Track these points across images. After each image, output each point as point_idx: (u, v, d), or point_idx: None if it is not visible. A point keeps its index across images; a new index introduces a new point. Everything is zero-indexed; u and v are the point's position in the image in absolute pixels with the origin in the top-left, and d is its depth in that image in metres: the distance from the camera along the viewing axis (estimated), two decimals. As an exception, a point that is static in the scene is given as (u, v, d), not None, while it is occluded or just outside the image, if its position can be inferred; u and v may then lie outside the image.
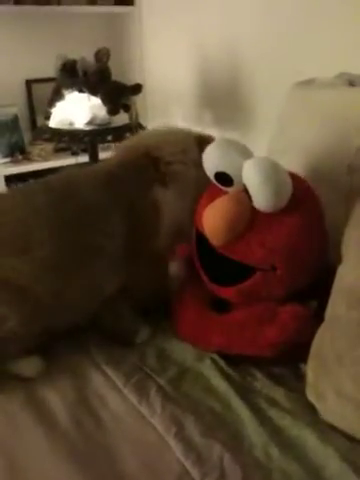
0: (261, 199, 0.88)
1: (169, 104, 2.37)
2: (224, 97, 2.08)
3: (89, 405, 0.89)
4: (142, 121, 2.18)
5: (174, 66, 2.31)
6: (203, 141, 1.05)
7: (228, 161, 0.91)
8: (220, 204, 0.92)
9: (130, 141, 1.17)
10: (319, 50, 1.62)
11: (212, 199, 0.95)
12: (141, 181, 1.06)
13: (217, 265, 0.98)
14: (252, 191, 0.88)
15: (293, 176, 0.92)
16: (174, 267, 1.16)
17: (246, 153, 0.92)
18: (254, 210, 0.90)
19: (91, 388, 0.93)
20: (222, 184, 0.94)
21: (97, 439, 0.82)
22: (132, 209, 1.02)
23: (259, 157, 0.89)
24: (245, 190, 0.90)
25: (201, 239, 0.97)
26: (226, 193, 0.94)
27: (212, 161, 0.94)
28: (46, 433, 0.83)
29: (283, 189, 0.87)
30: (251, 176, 0.87)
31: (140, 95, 2.10)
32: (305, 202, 0.94)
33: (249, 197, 0.90)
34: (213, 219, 0.92)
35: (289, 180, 0.88)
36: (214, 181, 0.95)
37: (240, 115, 2.00)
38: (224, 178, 0.93)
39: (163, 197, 1.05)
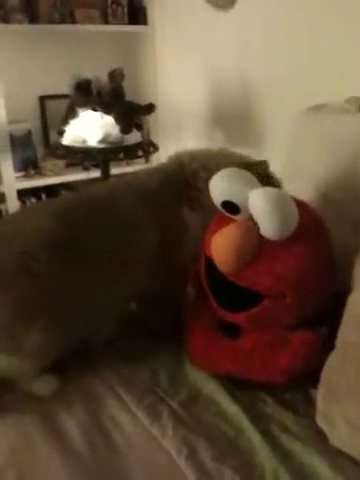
0: (268, 228, 0.90)
1: (181, 123, 2.40)
2: (235, 118, 2.11)
3: (102, 426, 0.91)
4: (154, 140, 2.21)
5: (187, 86, 2.35)
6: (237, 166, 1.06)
7: (234, 190, 0.94)
8: (229, 232, 0.94)
9: (177, 157, 1.20)
10: (330, 74, 1.64)
11: (220, 226, 0.97)
12: (175, 200, 1.12)
13: (226, 291, 1.00)
14: (259, 220, 0.90)
15: (301, 204, 0.94)
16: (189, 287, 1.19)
17: (251, 182, 0.94)
18: (262, 238, 0.92)
19: (104, 409, 0.95)
20: (229, 212, 0.97)
21: (109, 460, 0.84)
22: (165, 224, 1.08)
23: (265, 188, 0.91)
24: (252, 218, 0.92)
25: (210, 265, 0.99)
26: (233, 221, 0.96)
27: (219, 190, 0.97)
28: (60, 453, 0.85)
29: (289, 218, 0.89)
30: (258, 205, 0.89)
31: (153, 114, 2.13)
32: (312, 231, 0.96)
33: (256, 225, 0.92)
34: (222, 247, 0.95)
35: (295, 209, 0.89)
36: (221, 209, 0.98)
37: (251, 136, 2.03)
38: (231, 206, 0.95)
39: (191, 216, 1.11)
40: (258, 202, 0.89)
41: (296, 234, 0.91)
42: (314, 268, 0.93)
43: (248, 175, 0.96)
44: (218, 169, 1.02)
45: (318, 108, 1.47)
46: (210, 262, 0.98)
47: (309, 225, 0.95)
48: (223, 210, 0.97)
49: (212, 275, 1.01)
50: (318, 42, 1.67)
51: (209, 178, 1.01)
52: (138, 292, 1.13)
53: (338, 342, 0.86)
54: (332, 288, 0.98)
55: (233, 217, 0.97)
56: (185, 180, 1.14)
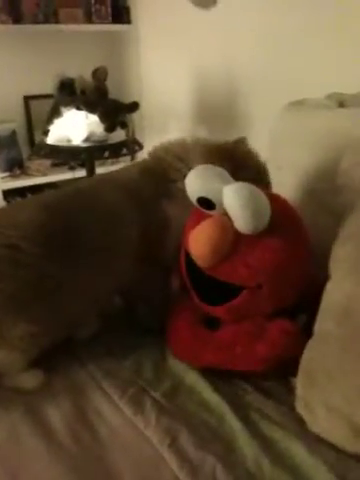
0: (241, 222, 0.92)
1: (166, 121, 2.42)
2: (220, 114, 2.13)
3: (86, 418, 0.92)
4: (139, 137, 2.23)
5: (171, 84, 2.36)
6: (212, 153, 1.10)
7: (208, 187, 0.96)
8: (204, 228, 0.96)
9: (158, 148, 1.21)
10: (311, 70, 1.67)
11: (197, 222, 0.99)
12: (153, 192, 1.13)
13: (206, 285, 1.01)
14: (232, 215, 0.92)
15: (275, 198, 0.97)
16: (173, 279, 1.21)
17: (225, 178, 0.96)
18: (237, 232, 0.94)
19: (88, 401, 0.96)
20: (205, 208, 0.98)
21: (94, 452, 0.85)
22: (146, 215, 1.10)
23: (237, 183, 0.93)
24: (227, 213, 0.94)
25: (190, 260, 1.01)
26: (209, 216, 0.98)
27: (193, 187, 0.99)
28: (46, 446, 0.86)
29: (262, 212, 0.91)
30: (231, 201, 0.91)
31: (138, 112, 2.15)
32: (286, 222, 0.98)
33: (231, 220, 0.94)
34: (198, 242, 0.96)
35: (267, 203, 0.91)
36: (197, 205, 1.00)
37: (235, 132, 2.03)
38: (206, 202, 0.97)
39: (171, 210, 1.11)
40: (230, 198, 0.91)
41: (270, 227, 0.93)
42: (289, 258, 0.95)
43: (220, 171, 0.98)
44: (193, 159, 1.05)
45: (299, 103, 1.50)
46: (189, 257, 1.00)
47: (283, 217, 0.97)
48: (199, 206, 0.99)
49: (192, 271, 1.02)
50: (300, 40, 1.69)
51: (183, 169, 1.04)
52: (123, 284, 1.14)
53: (316, 329, 0.88)
54: (309, 277, 0.99)
55: (209, 212, 0.98)
56: (162, 172, 1.14)
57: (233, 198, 0.91)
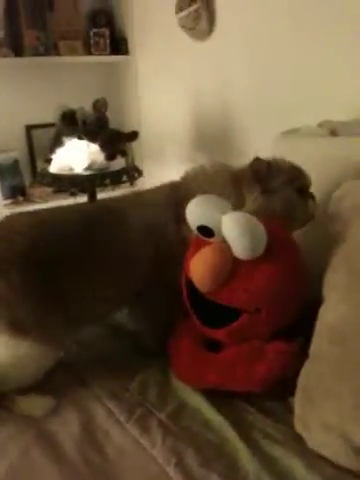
0: (239, 249, 0.98)
1: (165, 148, 2.49)
2: (217, 142, 2.19)
3: (95, 440, 0.96)
4: (139, 165, 2.30)
5: (168, 112, 2.43)
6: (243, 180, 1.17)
7: (208, 215, 1.02)
8: (205, 254, 1.02)
9: (189, 173, 1.27)
10: (304, 98, 1.72)
11: (197, 249, 1.04)
12: (173, 217, 1.19)
13: (206, 309, 1.07)
14: (231, 242, 0.98)
15: (271, 224, 1.02)
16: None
17: (224, 207, 1.02)
18: (235, 259, 1.00)
19: (96, 423, 1.00)
20: (205, 236, 1.04)
21: (104, 472, 0.89)
22: (161, 238, 1.17)
23: (235, 212, 1.00)
24: (225, 241, 1.00)
25: (191, 285, 1.06)
26: (209, 243, 1.04)
27: (193, 216, 1.05)
28: (57, 465, 0.90)
29: (258, 239, 0.97)
30: (229, 229, 0.98)
31: (137, 140, 2.22)
32: (281, 249, 1.03)
33: (229, 247, 1.00)
34: (199, 268, 1.02)
35: (263, 231, 0.97)
36: (197, 233, 1.05)
37: (233, 158, 2.09)
38: (206, 230, 1.03)
39: (188, 233, 1.15)
40: (229, 226, 0.97)
41: (267, 253, 0.98)
42: (285, 283, 1.01)
43: (220, 200, 1.04)
44: (211, 185, 1.15)
45: (293, 132, 1.57)
46: (191, 283, 1.06)
47: (279, 244, 1.02)
48: (199, 234, 1.05)
49: (193, 295, 1.07)
50: (293, 69, 1.76)
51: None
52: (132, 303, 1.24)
53: (311, 351, 0.94)
54: (305, 300, 1.05)
55: (208, 240, 1.04)
56: (185, 196, 1.16)
57: (231, 226, 0.97)
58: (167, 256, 1.17)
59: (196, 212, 1.04)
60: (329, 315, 0.93)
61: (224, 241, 1.00)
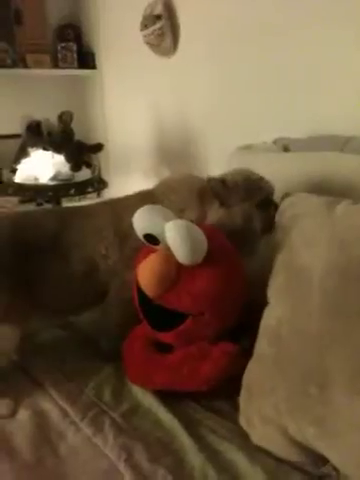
0: (181, 255, 1.03)
1: (130, 160, 2.54)
2: (178, 155, 2.26)
3: (49, 440, 1.00)
4: (105, 176, 2.34)
5: (134, 125, 2.49)
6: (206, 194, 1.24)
7: (152, 224, 1.08)
8: (150, 261, 1.08)
9: (162, 181, 1.35)
10: (261, 115, 1.80)
11: (146, 256, 1.10)
12: None
13: (156, 314, 1.12)
14: (173, 249, 1.04)
15: (211, 231, 1.09)
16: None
17: (168, 217, 1.08)
18: (179, 264, 1.05)
19: (51, 424, 1.04)
20: (151, 243, 1.10)
21: (55, 468, 0.93)
22: (132, 242, 1.21)
23: (176, 220, 1.05)
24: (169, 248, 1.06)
25: (141, 291, 1.11)
26: (155, 251, 1.09)
27: (139, 225, 1.11)
28: (9, 464, 0.94)
29: (198, 245, 1.03)
30: (171, 237, 1.03)
31: (103, 152, 2.26)
32: (222, 254, 1.09)
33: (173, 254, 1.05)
34: (145, 274, 1.08)
35: (203, 237, 1.03)
36: (144, 241, 1.11)
37: (194, 170, 2.18)
38: (152, 238, 1.09)
39: None
40: (170, 233, 1.03)
41: (208, 258, 1.04)
42: (226, 286, 1.06)
43: (163, 210, 1.11)
44: (178, 197, 1.23)
45: (247, 148, 1.64)
46: (141, 288, 1.10)
47: (219, 249, 1.09)
48: (145, 242, 1.11)
49: (143, 300, 1.12)
50: (251, 86, 1.83)
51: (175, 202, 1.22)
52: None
53: (254, 351, 0.99)
54: (247, 303, 1.11)
55: (155, 247, 1.10)
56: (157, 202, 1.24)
57: (173, 233, 1.03)
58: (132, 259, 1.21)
59: (142, 221, 1.10)
60: (270, 317, 0.99)
61: (169, 248, 1.05)
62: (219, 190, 1.23)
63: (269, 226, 1.23)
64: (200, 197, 1.24)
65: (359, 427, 0.80)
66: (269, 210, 1.24)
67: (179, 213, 1.19)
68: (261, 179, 1.28)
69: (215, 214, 1.23)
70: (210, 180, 1.25)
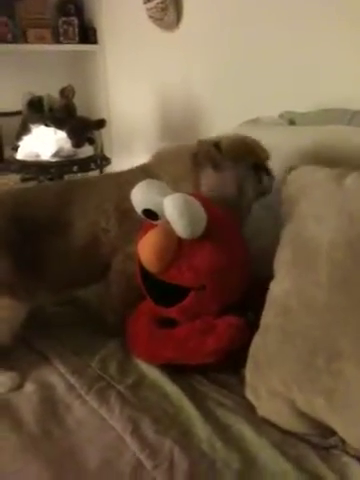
0: (180, 229, 1.02)
1: (133, 137, 2.52)
2: (183, 130, 2.23)
3: (55, 413, 1.00)
4: (107, 153, 2.32)
5: (137, 101, 2.46)
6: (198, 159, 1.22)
7: (150, 199, 1.07)
8: (150, 237, 1.07)
9: (152, 160, 1.33)
10: (267, 90, 1.78)
11: (146, 231, 1.09)
12: None
13: (158, 289, 1.11)
14: (172, 223, 1.03)
15: (210, 205, 1.07)
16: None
17: (165, 191, 1.07)
18: (179, 239, 1.04)
19: (57, 397, 1.04)
20: (150, 219, 1.09)
21: (62, 439, 0.93)
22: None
23: (174, 195, 1.04)
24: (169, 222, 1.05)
25: (143, 267, 1.10)
26: (155, 226, 1.08)
27: (138, 200, 1.10)
28: (16, 436, 0.94)
29: (197, 219, 1.02)
30: (169, 212, 1.02)
31: (106, 128, 2.24)
32: (222, 227, 1.08)
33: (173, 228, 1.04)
34: (146, 250, 1.07)
35: (202, 210, 1.02)
36: (143, 216, 1.10)
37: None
38: (151, 213, 1.08)
39: None
40: (169, 208, 1.02)
41: (208, 231, 1.03)
42: (227, 259, 1.06)
43: (161, 184, 1.10)
44: (174, 167, 1.22)
45: (253, 122, 1.62)
46: (143, 264, 1.10)
47: (219, 222, 1.08)
48: (144, 217, 1.10)
49: (145, 276, 1.12)
50: (257, 61, 1.81)
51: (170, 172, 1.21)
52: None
53: (261, 323, 0.99)
54: (250, 277, 1.10)
55: (154, 223, 1.09)
56: (156, 172, 1.24)
57: (171, 208, 1.02)
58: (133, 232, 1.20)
59: (140, 197, 1.09)
60: (276, 289, 0.98)
61: (168, 223, 1.04)
62: (211, 152, 1.21)
63: (263, 190, 1.24)
64: (193, 162, 1.23)
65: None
66: (262, 174, 1.24)
67: (175, 184, 1.18)
68: (257, 143, 1.27)
69: (208, 179, 1.22)
70: (201, 143, 1.23)
